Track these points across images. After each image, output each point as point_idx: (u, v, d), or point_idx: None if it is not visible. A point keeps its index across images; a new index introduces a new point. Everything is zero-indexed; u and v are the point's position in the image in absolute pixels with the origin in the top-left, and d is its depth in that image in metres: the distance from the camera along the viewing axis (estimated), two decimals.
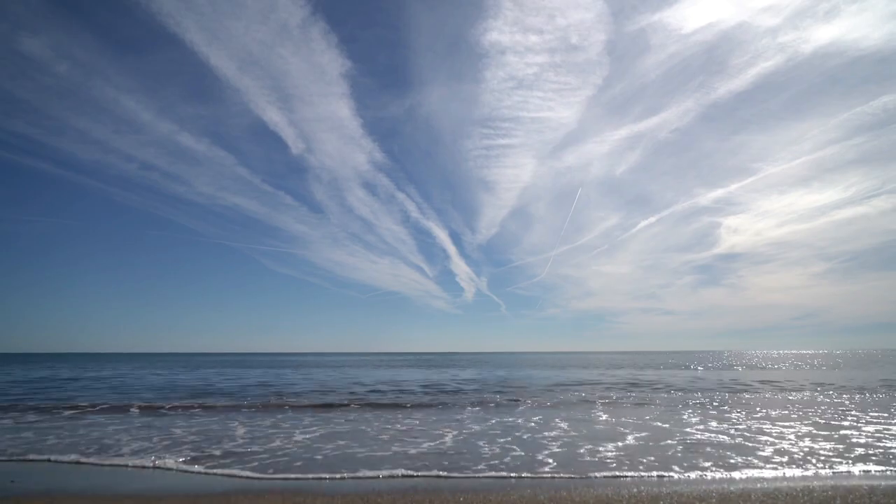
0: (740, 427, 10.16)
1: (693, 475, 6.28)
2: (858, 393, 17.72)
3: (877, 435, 9.24)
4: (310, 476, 6.41)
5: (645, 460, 7.12)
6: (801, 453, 7.56)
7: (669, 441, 8.71)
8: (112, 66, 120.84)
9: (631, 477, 6.21)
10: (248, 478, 6.40)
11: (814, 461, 7.08)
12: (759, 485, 5.75)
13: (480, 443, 8.69)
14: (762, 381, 23.36)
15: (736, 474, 6.32)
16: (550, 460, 7.21)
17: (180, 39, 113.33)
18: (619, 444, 8.50)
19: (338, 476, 6.40)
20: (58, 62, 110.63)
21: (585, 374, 30.39)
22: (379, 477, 6.35)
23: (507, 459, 7.28)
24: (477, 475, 6.40)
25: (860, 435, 9.24)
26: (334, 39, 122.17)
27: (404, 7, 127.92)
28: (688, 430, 9.96)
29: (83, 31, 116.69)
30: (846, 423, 10.70)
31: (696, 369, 37.69)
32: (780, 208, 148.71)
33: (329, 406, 14.42)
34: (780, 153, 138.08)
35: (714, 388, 20.14)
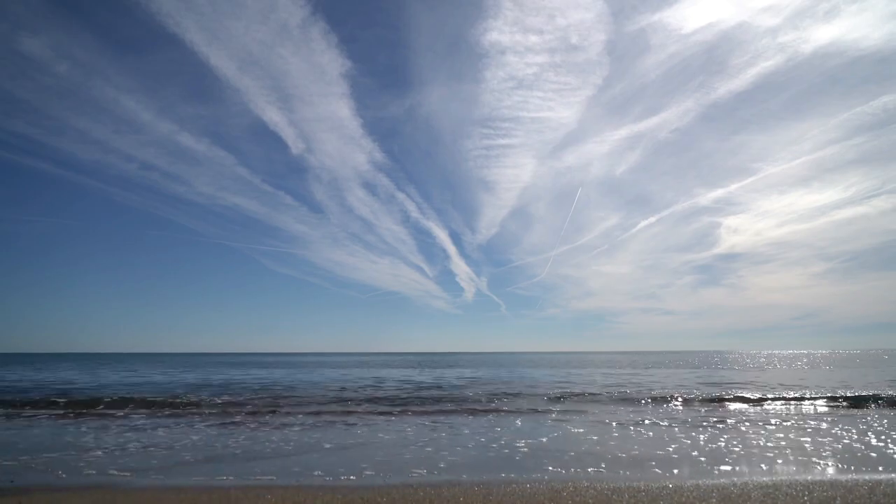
0: (665, 432, 10.01)
1: (692, 474, 6.28)
2: (832, 397, 17.68)
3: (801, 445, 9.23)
4: (305, 478, 6.43)
5: (527, 463, 7.23)
6: (693, 463, 7.15)
7: (573, 443, 8.75)
8: (112, 66, 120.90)
9: (630, 476, 6.22)
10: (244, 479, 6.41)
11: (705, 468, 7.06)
12: (759, 484, 5.75)
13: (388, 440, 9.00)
14: (743, 383, 23.11)
15: (735, 474, 6.32)
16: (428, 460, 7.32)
17: (180, 39, 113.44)
18: (525, 442, 8.59)
19: (339, 477, 6.41)
20: (58, 62, 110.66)
21: (575, 375, 30.33)
22: (378, 478, 6.37)
23: (378, 459, 7.49)
24: (477, 476, 6.41)
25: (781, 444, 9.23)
26: (334, 39, 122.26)
27: (404, 7, 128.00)
28: (613, 433, 9.87)
29: (83, 31, 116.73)
30: (788, 435, 10.68)
31: (694, 370, 37.66)
32: (780, 208, 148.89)
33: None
34: (780, 153, 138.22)
35: (692, 389, 20.00)
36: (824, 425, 10.66)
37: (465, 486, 5.87)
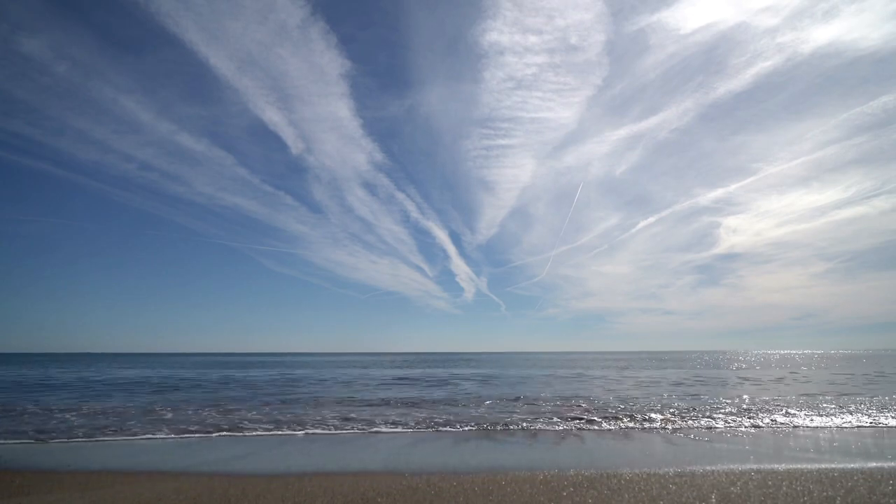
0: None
1: (694, 470, 6.29)
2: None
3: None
4: (310, 472, 6.44)
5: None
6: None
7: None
8: (111, 67, 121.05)
9: (633, 474, 6.22)
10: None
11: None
12: (759, 484, 5.76)
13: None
14: (711, 383, 23.23)
15: (735, 475, 6.32)
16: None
17: (179, 39, 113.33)
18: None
19: (340, 475, 6.42)
20: (57, 62, 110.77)
21: (551, 374, 30.35)
22: (378, 475, 6.37)
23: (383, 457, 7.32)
24: (476, 473, 6.41)
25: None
26: (334, 39, 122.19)
27: (403, 7, 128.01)
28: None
29: (82, 32, 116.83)
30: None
31: (682, 370, 37.65)
32: (780, 208, 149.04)
33: None
34: (779, 153, 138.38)
35: (653, 391, 20.00)
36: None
37: (465, 484, 5.88)
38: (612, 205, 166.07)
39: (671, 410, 13.16)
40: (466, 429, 10.49)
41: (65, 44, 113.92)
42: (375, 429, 10.53)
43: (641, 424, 10.98)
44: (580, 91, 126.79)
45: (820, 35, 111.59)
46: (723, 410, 13.15)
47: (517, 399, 16.30)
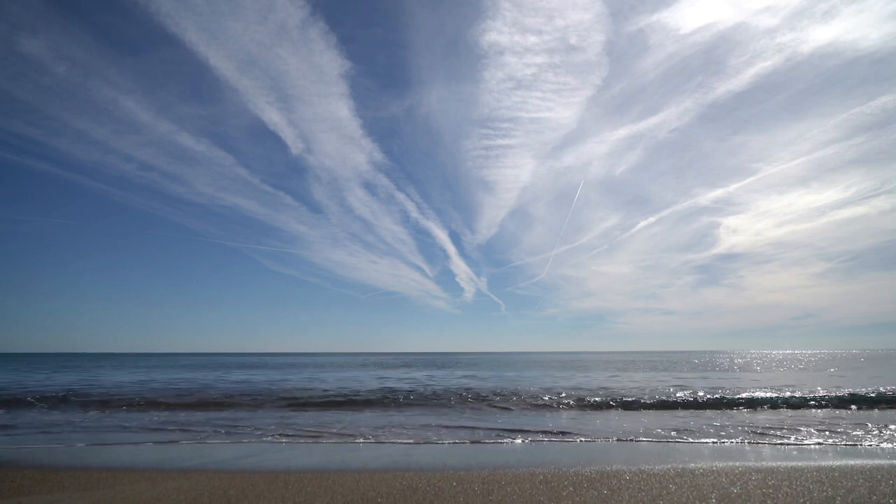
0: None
1: (694, 470, 6.29)
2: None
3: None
4: (309, 469, 6.43)
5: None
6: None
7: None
8: (111, 67, 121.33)
9: (633, 473, 6.22)
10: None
11: None
12: (759, 484, 5.76)
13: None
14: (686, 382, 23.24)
15: (735, 475, 6.33)
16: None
17: (179, 40, 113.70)
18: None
19: (339, 475, 6.42)
20: (57, 63, 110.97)
21: (534, 375, 30.33)
22: (377, 474, 6.37)
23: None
24: (478, 472, 6.41)
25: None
26: (333, 40, 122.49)
27: (403, 7, 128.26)
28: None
29: (82, 32, 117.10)
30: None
31: (675, 371, 37.62)
32: (780, 208, 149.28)
33: None
34: (779, 153, 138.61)
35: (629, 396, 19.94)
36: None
37: (464, 484, 5.88)
38: (612, 205, 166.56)
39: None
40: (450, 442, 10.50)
41: (65, 44, 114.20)
42: (366, 439, 10.54)
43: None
44: (580, 91, 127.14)
45: (819, 35, 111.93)
46: None
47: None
